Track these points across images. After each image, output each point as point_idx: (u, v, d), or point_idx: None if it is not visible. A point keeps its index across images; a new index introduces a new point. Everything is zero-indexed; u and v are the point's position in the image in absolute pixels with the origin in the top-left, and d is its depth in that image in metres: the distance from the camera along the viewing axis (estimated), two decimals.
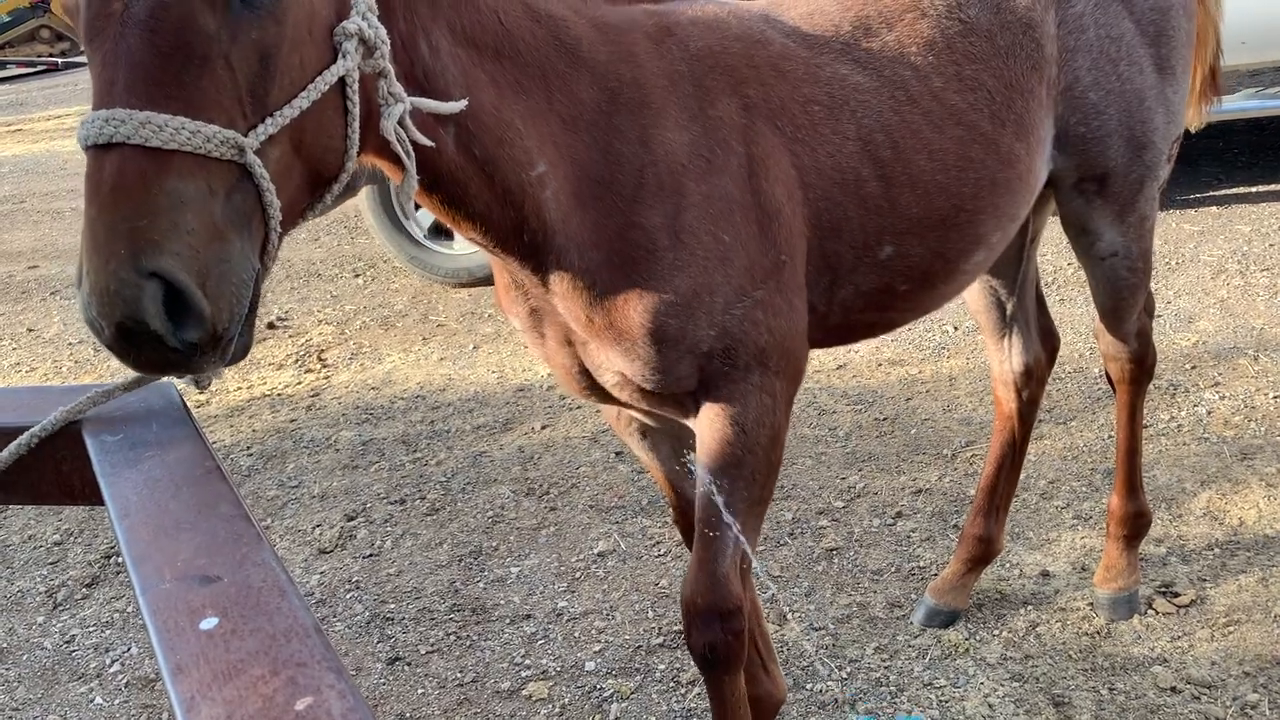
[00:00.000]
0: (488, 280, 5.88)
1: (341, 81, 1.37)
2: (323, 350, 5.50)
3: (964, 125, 2.08)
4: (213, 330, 1.23)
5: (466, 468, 4.12)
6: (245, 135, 1.26)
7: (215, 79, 1.25)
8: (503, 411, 4.56)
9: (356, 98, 1.39)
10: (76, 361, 5.69)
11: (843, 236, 1.98)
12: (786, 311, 1.89)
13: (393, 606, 3.32)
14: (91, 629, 3.39)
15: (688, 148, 1.79)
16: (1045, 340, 2.86)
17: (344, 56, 1.36)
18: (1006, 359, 2.85)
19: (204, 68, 1.24)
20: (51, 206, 9.30)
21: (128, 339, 1.20)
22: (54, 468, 1.44)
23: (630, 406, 2.04)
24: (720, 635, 1.95)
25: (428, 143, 1.51)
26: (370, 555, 3.63)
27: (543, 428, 4.36)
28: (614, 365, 1.87)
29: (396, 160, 1.51)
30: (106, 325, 1.19)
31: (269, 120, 1.28)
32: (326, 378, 5.17)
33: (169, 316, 1.20)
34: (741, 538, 1.92)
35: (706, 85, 1.84)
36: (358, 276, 6.54)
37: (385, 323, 5.78)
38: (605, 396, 2.01)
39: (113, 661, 3.22)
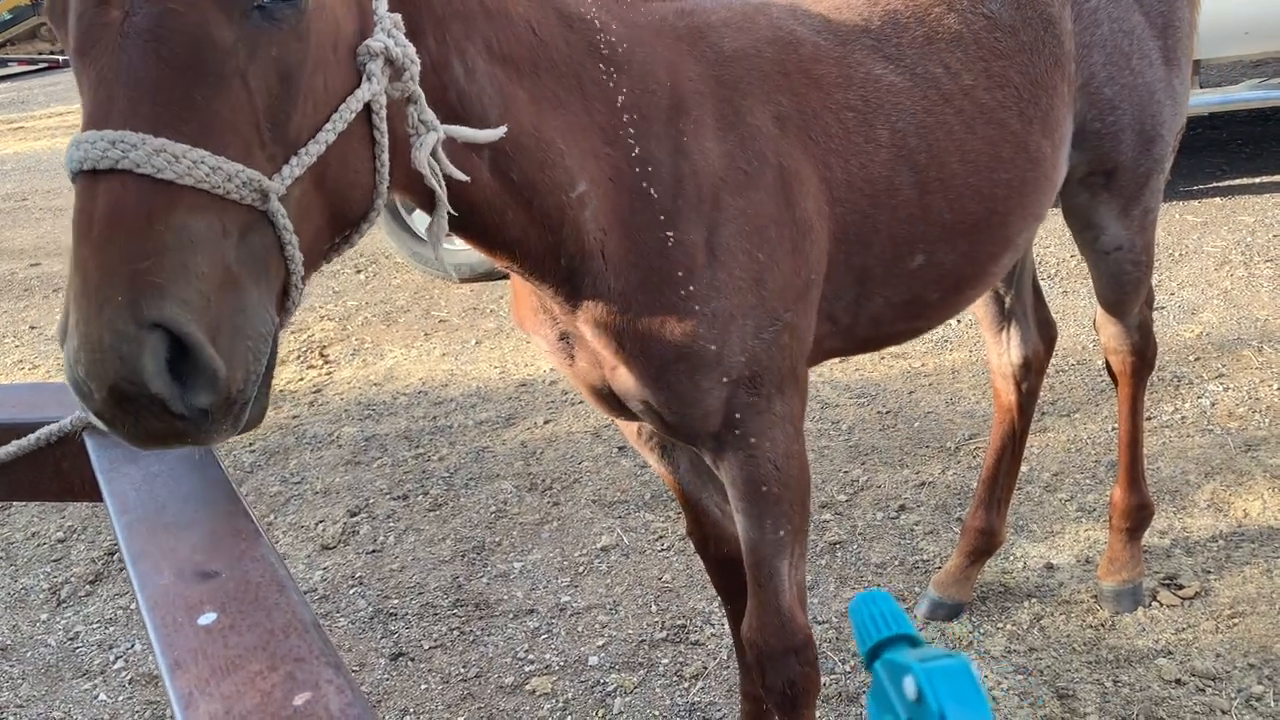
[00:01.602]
0: (490, 275, 5.87)
1: (367, 108, 1.23)
2: (325, 346, 5.50)
3: (994, 124, 2.01)
4: (226, 393, 1.06)
5: (469, 463, 4.12)
6: (265, 169, 1.11)
7: (231, 101, 1.09)
8: (505, 407, 4.55)
9: (385, 126, 1.25)
10: None
11: (872, 249, 1.90)
12: (805, 333, 1.84)
13: (396, 602, 3.32)
14: (95, 625, 3.40)
15: (725, 158, 1.69)
16: (1043, 332, 2.85)
17: (369, 79, 1.22)
18: (1005, 351, 2.84)
19: (219, 87, 1.09)
20: (53, 204, 9.31)
21: (122, 404, 1.01)
22: (54, 465, 1.43)
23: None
24: (798, 670, 1.93)
25: (463, 177, 1.37)
26: (373, 551, 3.63)
27: (545, 423, 4.36)
28: (640, 395, 1.78)
29: (426, 195, 1.36)
30: (97, 388, 1.00)
31: (295, 159, 1.14)
32: (329, 374, 5.17)
33: (174, 377, 1.02)
34: (796, 569, 1.90)
35: (741, 91, 1.74)
36: (359, 272, 6.53)
37: (387, 318, 5.78)
38: (634, 417, 1.94)
39: (116, 658, 3.23)
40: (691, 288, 1.66)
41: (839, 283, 1.89)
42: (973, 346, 4.45)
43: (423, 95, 1.30)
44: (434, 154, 1.32)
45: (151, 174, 1.03)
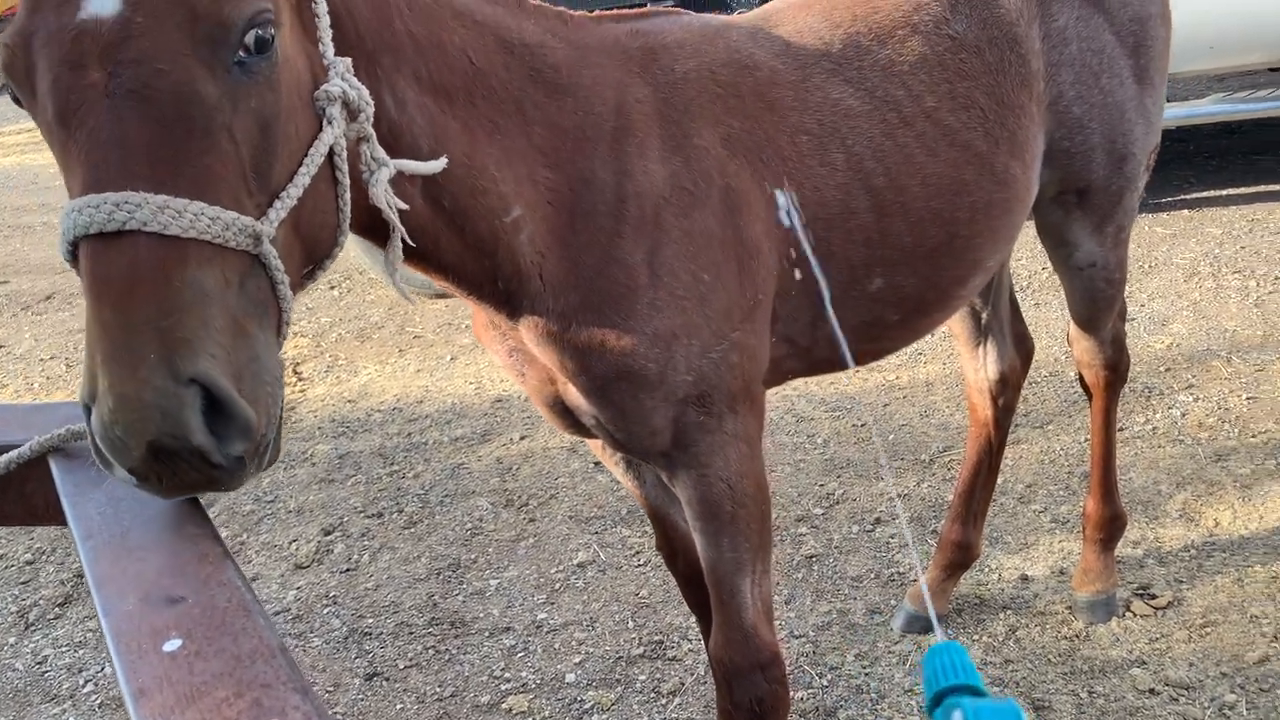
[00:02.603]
0: None
1: (330, 150, 1.27)
2: (298, 363, 5.46)
3: (958, 146, 2.01)
4: (257, 440, 1.10)
5: (444, 480, 4.10)
6: (254, 215, 1.15)
7: (221, 154, 1.13)
8: (480, 423, 4.54)
9: (345, 166, 1.29)
10: (48, 378, 5.63)
11: (827, 272, 1.89)
12: (758, 353, 1.84)
13: (371, 621, 3.29)
14: (64, 649, 3.35)
15: (670, 179, 1.69)
16: (1020, 347, 2.86)
17: (330, 123, 1.26)
18: (981, 367, 2.85)
19: (208, 142, 1.12)
20: (22, 221, 9.21)
21: (160, 459, 1.04)
22: (18, 489, 1.42)
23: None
24: (765, 687, 1.92)
25: (404, 206, 1.40)
26: (347, 570, 3.60)
27: (521, 439, 4.34)
28: (589, 411, 1.80)
29: (377, 228, 1.40)
30: (136, 444, 1.02)
31: (278, 202, 1.17)
32: (302, 391, 5.14)
33: (210, 429, 1.06)
34: (759, 585, 1.90)
35: (691, 113, 1.74)
36: (333, 289, 6.50)
37: (361, 335, 5.75)
38: (590, 431, 1.95)
39: (86, 682, 3.18)
40: (632, 307, 1.66)
41: (795, 305, 1.89)
42: (946, 359, 4.47)
43: (374, 134, 1.33)
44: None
45: (159, 230, 1.06)
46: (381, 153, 1.35)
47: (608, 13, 1.82)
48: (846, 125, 1.91)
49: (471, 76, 1.53)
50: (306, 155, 1.23)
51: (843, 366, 2.18)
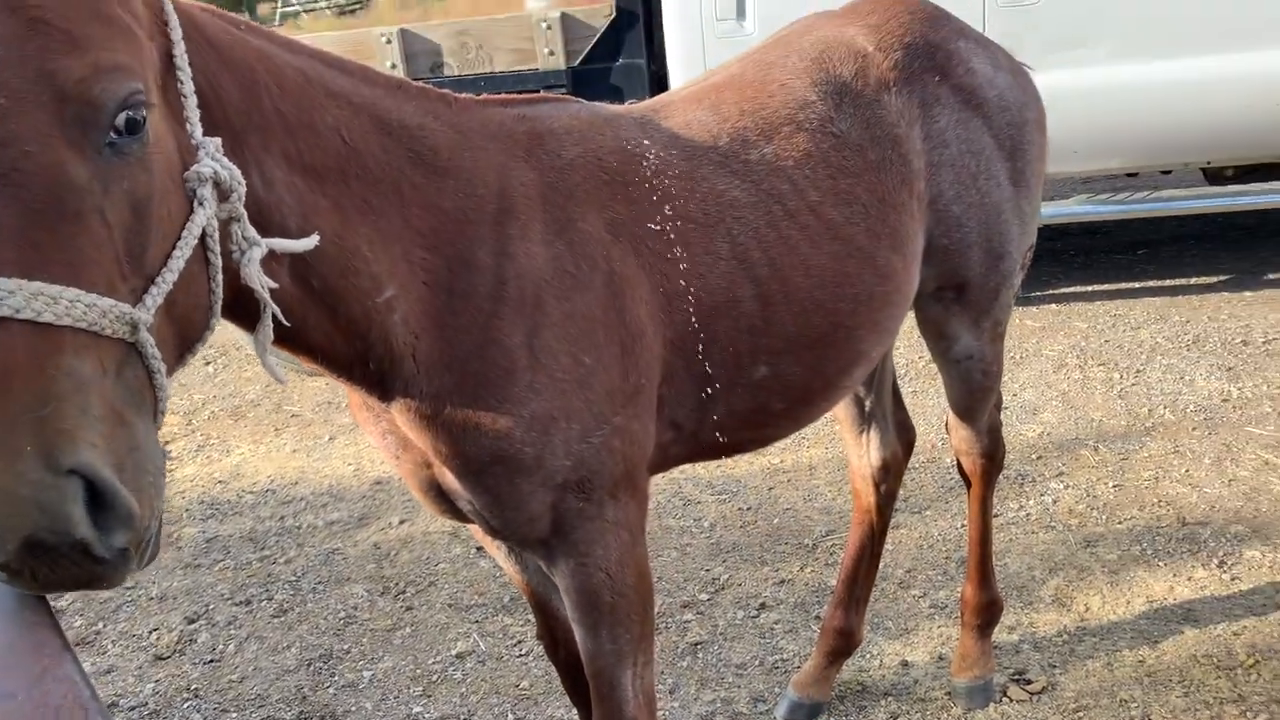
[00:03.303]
0: None
1: (203, 232, 1.25)
2: (167, 442, 5.24)
3: (841, 239, 2.05)
4: (140, 531, 1.06)
5: (318, 566, 3.94)
6: (130, 301, 1.12)
7: (93, 238, 1.09)
8: (358, 506, 4.40)
9: (218, 247, 1.27)
10: None
11: (712, 359, 1.91)
12: (641, 439, 1.82)
13: (234, 716, 3.11)
14: None
15: (552, 262, 1.69)
16: (901, 435, 2.92)
17: (201, 204, 1.24)
18: (865, 454, 2.89)
19: (80, 225, 1.08)
20: None
21: (37, 554, 0.99)
22: None
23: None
24: None
25: (273, 284, 1.38)
26: (211, 660, 3.41)
27: (401, 523, 4.22)
28: (465, 496, 1.76)
29: (247, 308, 1.37)
30: (11, 539, 0.98)
31: (154, 288, 1.15)
32: (170, 471, 4.92)
33: (92, 521, 1.02)
34: (640, 677, 1.86)
35: (576, 198, 1.75)
36: (208, 364, 6.29)
37: (236, 413, 5.55)
38: (468, 518, 1.90)
39: None
40: (509, 389, 1.64)
41: (680, 390, 1.89)
42: (829, 443, 4.53)
43: (245, 213, 1.31)
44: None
45: (33, 318, 1.02)
46: (253, 232, 1.33)
47: (495, 97, 1.82)
48: (732, 215, 1.93)
49: (345, 156, 1.51)
50: (180, 237, 1.21)
51: (727, 453, 2.19)
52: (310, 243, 1.41)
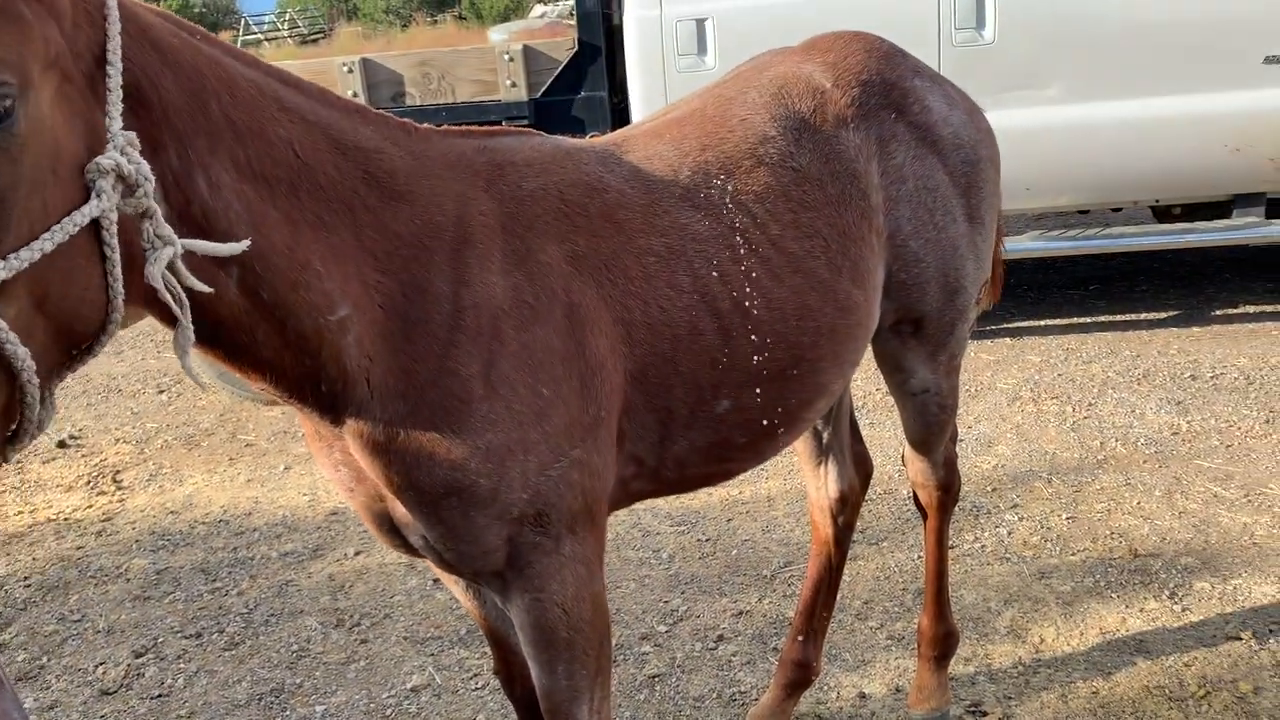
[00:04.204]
0: None
1: (96, 224, 1.24)
2: (118, 471, 5.15)
3: (802, 273, 2.05)
4: None
5: (271, 598, 3.88)
6: None
7: None
8: (313, 537, 4.34)
9: (115, 241, 1.25)
10: None
11: (674, 392, 1.90)
12: (601, 472, 1.81)
13: None
14: None
15: (511, 292, 1.68)
16: (859, 467, 2.93)
17: (98, 196, 1.22)
18: (823, 486, 2.90)
19: None
20: None
21: None
22: None
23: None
24: None
25: (205, 288, 1.36)
26: (159, 695, 3.34)
27: (356, 554, 4.17)
28: (417, 530, 1.73)
29: (167, 309, 1.35)
30: None
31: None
32: (121, 501, 4.83)
33: None
34: (597, 712, 1.84)
35: (536, 229, 1.74)
36: (162, 393, 6.20)
37: (189, 441, 5.47)
38: (420, 554, 1.87)
39: None
40: (465, 419, 1.62)
41: (641, 423, 1.89)
42: (787, 475, 4.55)
43: (158, 210, 1.30)
44: (174, 268, 1.32)
45: None
46: (167, 231, 1.30)
47: (455, 128, 1.82)
48: (694, 248, 1.94)
49: (296, 170, 1.50)
50: (54, 227, 1.19)
51: (690, 487, 2.18)
52: (236, 247, 1.39)
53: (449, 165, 1.71)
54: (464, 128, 1.83)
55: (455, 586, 2.18)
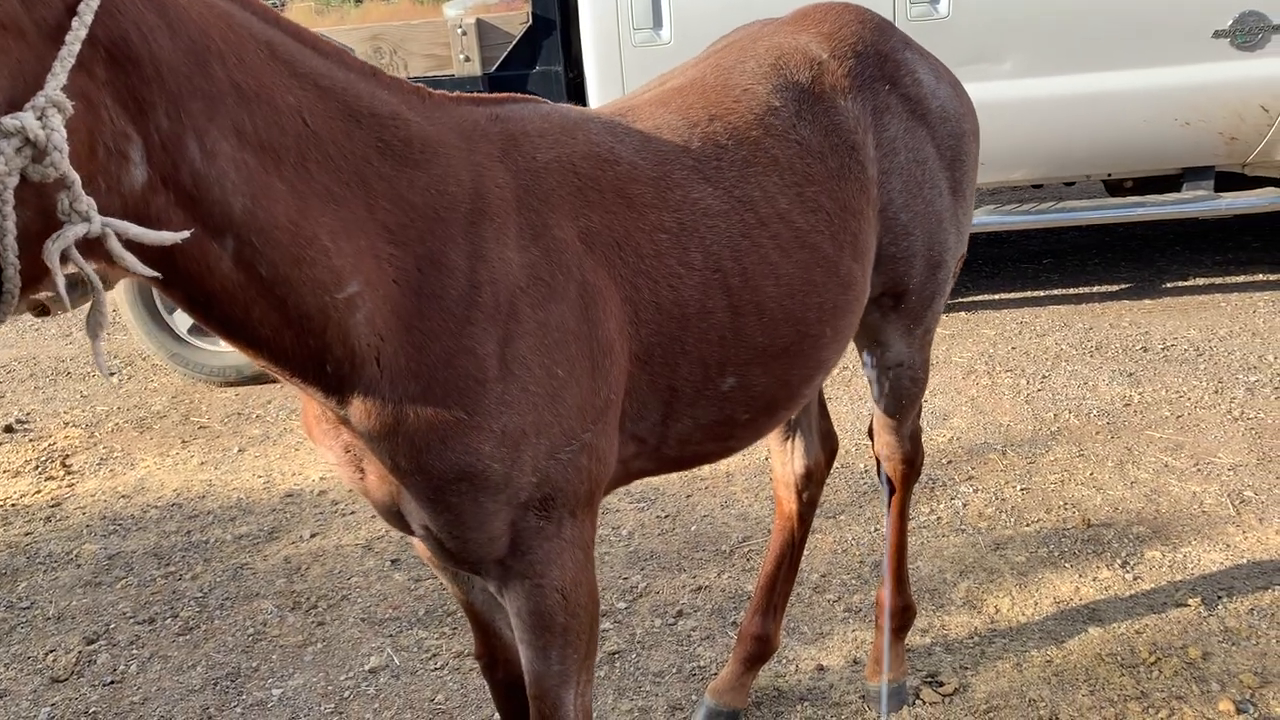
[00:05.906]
0: (257, 379, 5.60)
1: None
2: (68, 455, 5.05)
3: (808, 248, 2.01)
4: None
5: (225, 581, 3.83)
6: None
7: None
8: (268, 519, 4.29)
9: (8, 208, 1.14)
10: None
11: (679, 371, 1.86)
12: (607, 455, 1.77)
13: None
14: None
15: (528, 269, 1.61)
16: (825, 443, 2.93)
17: None
18: (789, 461, 2.90)
19: None
20: None
21: None
22: None
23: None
24: None
25: (150, 273, 1.27)
26: (112, 682, 3.29)
27: (312, 536, 4.12)
28: (420, 517, 1.67)
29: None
30: None
31: None
32: (71, 485, 4.74)
33: None
34: (582, 696, 1.83)
35: (551, 203, 1.68)
36: (112, 374, 6.09)
37: (141, 424, 5.38)
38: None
39: None
40: (479, 401, 1.56)
41: (644, 403, 1.85)
42: (746, 451, 4.55)
43: (78, 181, 1.18)
44: (110, 245, 1.21)
45: None
46: (85, 206, 1.19)
47: (465, 95, 1.74)
48: (705, 224, 1.89)
49: (305, 139, 1.42)
50: None
51: (690, 465, 2.16)
52: (172, 237, 1.28)
53: (464, 134, 1.64)
54: (473, 95, 1.75)
55: (443, 572, 2.12)
